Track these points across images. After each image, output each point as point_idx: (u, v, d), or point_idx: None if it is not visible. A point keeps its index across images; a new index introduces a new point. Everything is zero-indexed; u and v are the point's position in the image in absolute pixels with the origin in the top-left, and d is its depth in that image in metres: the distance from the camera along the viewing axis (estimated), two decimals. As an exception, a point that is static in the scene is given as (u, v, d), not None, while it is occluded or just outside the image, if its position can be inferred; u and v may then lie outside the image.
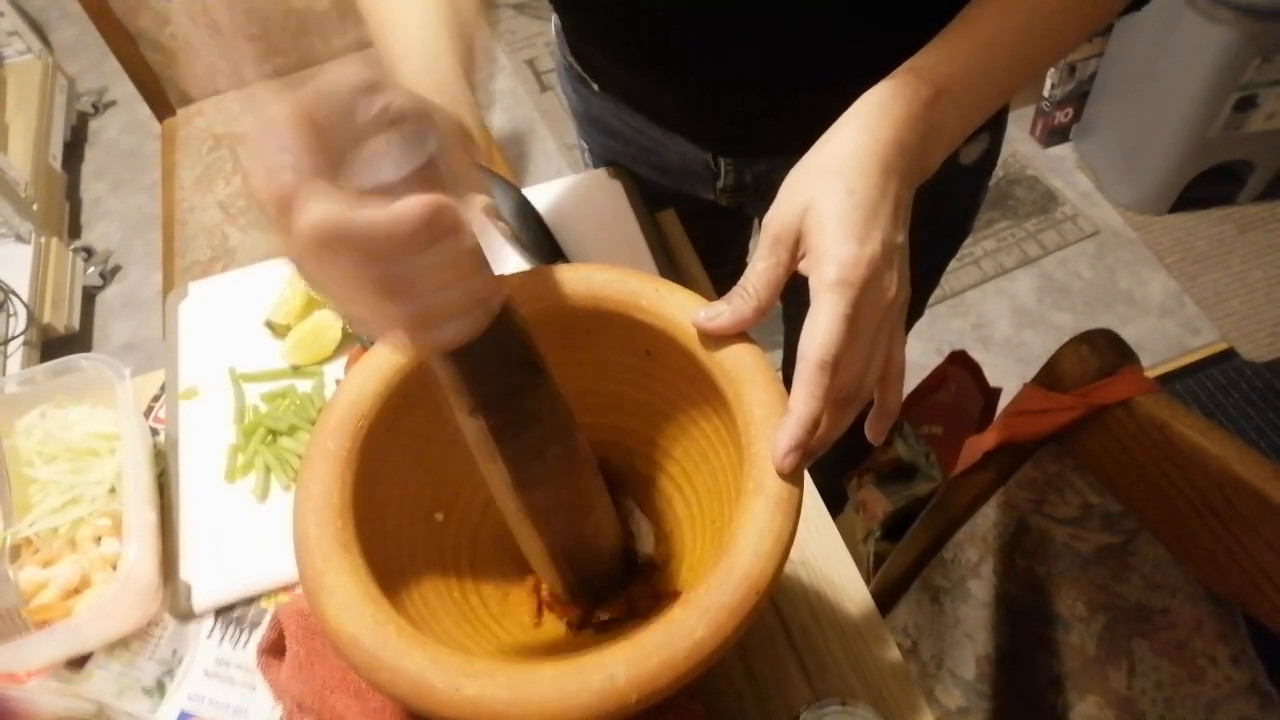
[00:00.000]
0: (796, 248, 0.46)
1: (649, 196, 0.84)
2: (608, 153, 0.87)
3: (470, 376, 0.40)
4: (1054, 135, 2.08)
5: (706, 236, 0.85)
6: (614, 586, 0.56)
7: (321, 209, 0.31)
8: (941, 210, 0.56)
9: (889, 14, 0.60)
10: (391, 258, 0.33)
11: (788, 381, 0.45)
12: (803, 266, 0.46)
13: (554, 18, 0.80)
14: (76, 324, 1.89)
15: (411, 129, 0.33)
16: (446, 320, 0.36)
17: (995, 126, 0.78)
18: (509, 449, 0.43)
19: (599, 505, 0.52)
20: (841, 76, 0.59)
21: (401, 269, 0.33)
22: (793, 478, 0.43)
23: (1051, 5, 0.51)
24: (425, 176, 0.33)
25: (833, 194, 0.45)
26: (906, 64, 0.49)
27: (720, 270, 0.84)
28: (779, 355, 1.20)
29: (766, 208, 0.49)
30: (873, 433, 0.51)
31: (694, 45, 0.65)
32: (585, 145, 0.91)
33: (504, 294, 0.38)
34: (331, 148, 0.32)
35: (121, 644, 0.63)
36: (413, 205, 0.32)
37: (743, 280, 0.47)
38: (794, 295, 0.47)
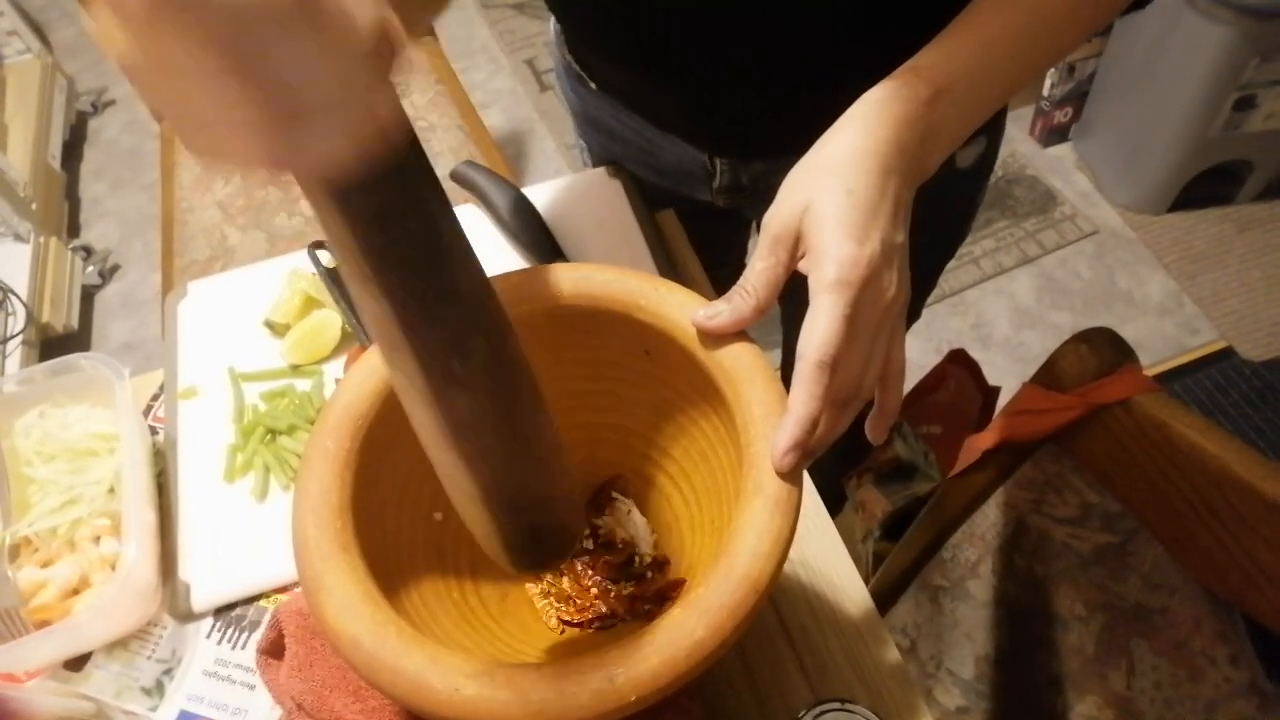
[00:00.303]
0: (796, 248, 0.46)
1: (647, 197, 0.84)
2: (606, 152, 0.87)
3: (365, 227, 0.32)
4: (1053, 135, 2.08)
5: (704, 238, 0.85)
6: (568, 545, 0.48)
7: None
8: (938, 214, 0.56)
9: (886, 15, 0.60)
10: (255, 36, 0.24)
11: (786, 382, 0.45)
12: (802, 266, 0.46)
13: (552, 18, 0.80)
14: (75, 323, 1.89)
15: None
16: (322, 135, 0.27)
17: (993, 130, 0.78)
18: (419, 334, 0.35)
19: (542, 431, 0.42)
20: (839, 78, 0.59)
21: (269, 52, 0.24)
22: (792, 477, 0.43)
23: (1052, 6, 0.51)
24: None
25: (832, 194, 0.45)
26: (906, 64, 0.49)
27: (718, 272, 0.84)
28: (777, 355, 1.20)
29: (764, 209, 0.49)
30: (873, 433, 0.51)
31: (691, 46, 0.65)
32: (584, 144, 0.91)
33: (409, 128, 0.31)
34: None
35: (121, 644, 0.63)
36: None
37: (742, 280, 0.47)
38: (793, 295, 0.47)
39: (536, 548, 0.46)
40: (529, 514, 0.44)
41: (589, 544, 0.59)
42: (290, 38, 0.24)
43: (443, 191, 0.34)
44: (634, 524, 0.59)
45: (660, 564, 0.57)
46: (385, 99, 0.28)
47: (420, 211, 0.33)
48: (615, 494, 0.60)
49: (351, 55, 0.26)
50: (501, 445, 0.40)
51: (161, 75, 0.25)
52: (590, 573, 0.57)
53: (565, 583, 0.58)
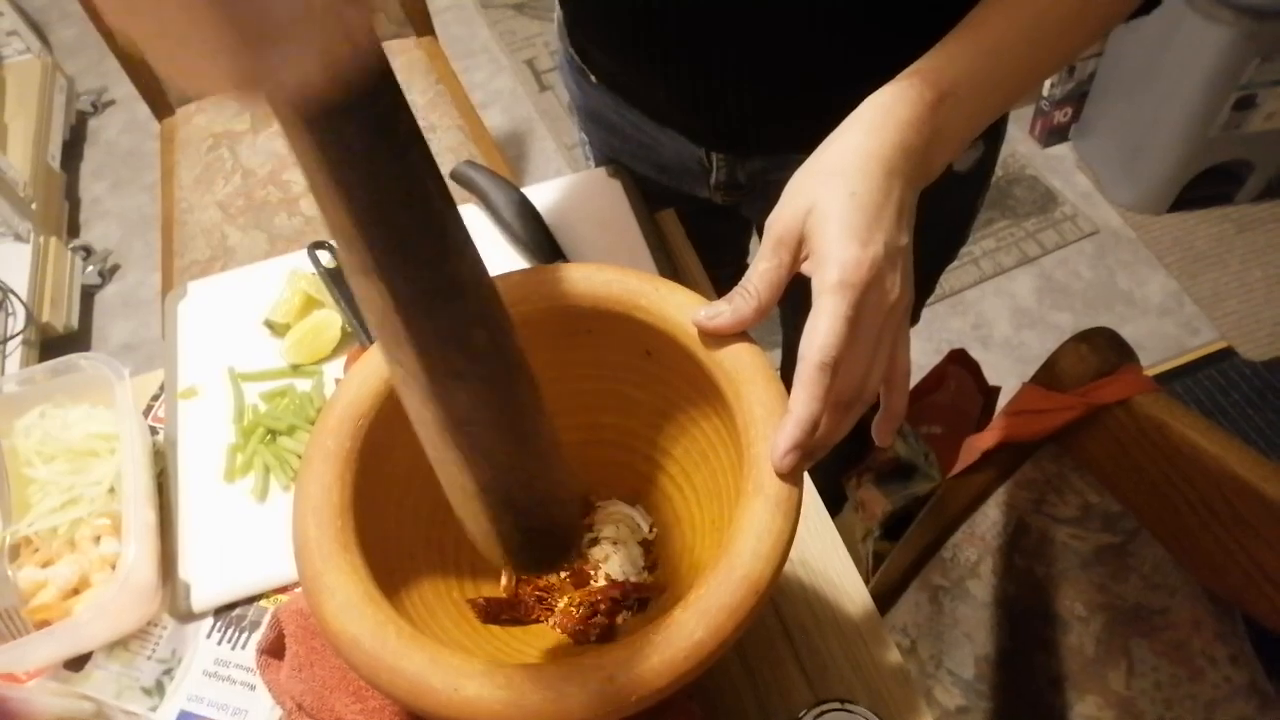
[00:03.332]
0: (799, 249, 0.46)
1: (648, 195, 0.85)
2: (607, 148, 0.88)
3: (355, 188, 0.30)
4: (1053, 135, 2.08)
5: (705, 238, 0.85)
6: (566, 548, 0.48)
7: None
8: (936, 217, 0.56)
9: (882, 17, 0.60)
10: None
11: (787, 384, 0.45)
12: (805, 268, 0.46)
13: (557, 10, 0.80)
14: (75, 323, 1.89)
15: None
16: (295, 53, 0.25)
17: (992, 135, 0.78)
18: (420, 325, 0.34)
19: (541, 429, 0.41)
20: (836, 78, 0.59)
21: None
22: (792, 478, 0.43)
23: (1058, 10, 0.51)
24: None
25: (835, 196, 0.45)
26: (911, 67, 0.49)
27: (719, 272, 0.84)
28: (777, 356, 1.20)
29: (762, 208, 0.49)
30: (879, 435, 0.50)
31: (688, 39, 0.65)
32: (585, 139, 0.92)
33: (379, 47, 0.28)
34: None
35: (121, 644, 0.63)
36: None
37: (744, 280, 0.47)
38: (794, 297, 0.47)
39: (534, 548, 0.45)
40: (527, 513, 0.43)
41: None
42: None
43: (427, 149, 0.32)
44: (636, 520, 0.59)
45: (659, 592, 0.57)
46: (358, 16, 0.27)
47: (401, 154, 0.31)
48: (597, 502, 0.60)
49: None
50: (501, 442, 0.40)
51: None
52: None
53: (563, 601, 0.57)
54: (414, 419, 0.39)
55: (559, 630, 0.55)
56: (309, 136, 0.29)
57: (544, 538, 0.45)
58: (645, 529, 0.59)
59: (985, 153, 0.78)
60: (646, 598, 0.56)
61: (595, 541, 0.59)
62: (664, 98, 0.74)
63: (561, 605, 0.56)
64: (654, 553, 0.59)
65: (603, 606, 0.55)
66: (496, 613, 0.55)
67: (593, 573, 0.58)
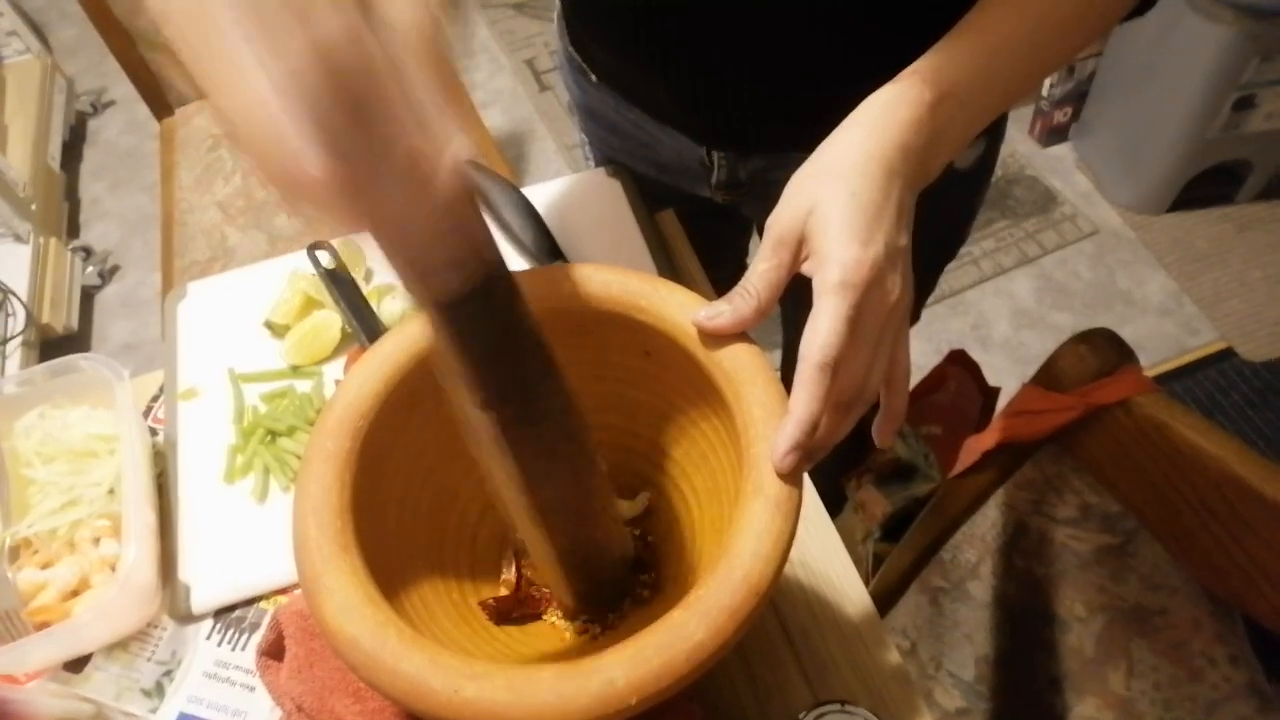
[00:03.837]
0: (799, 250, 0.46)
1: (648, 195, 0.84)
2: (607, 147, 0.88)
3: (479, 357, 0.38)
4: (1053, 135, 2.08)
5: (705, 238, 0.85)
6: (622, 594, 0.56)
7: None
8: (936, 216, 0.56)
9: (881, 14, 0.60)
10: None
11: (787, 385, 0.45)
12: (806, 269, 0.46)
13: (557, 9, 0.80)
14: (75, 324, 1.89)
15: None
16: (440, 261, 0.34)
17: (992, 133, 0.78)
18: (520, 446, 0.42)
19: (608, 508, 0.51)
20: (836, 76, 0.59)
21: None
22: (792, 479, 0.43)
23: (1057, 11, 0.51)
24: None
25: (836, 196, 0.45)
26: (911, 67, 0.49)
27: (719, 273, 0.84)
28: (777, 356, 1.20)
29: (763, 208, 0.49)
30: (880, 436, 0.51)
31: (688, 36, 0.65)
32: (585, 139, 0.92)
33: (504, 263, 0.37)
34: None
35: (120, 645, 0.63)
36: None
37: (744, 280, 0.47)
38: (794, 297, 0.47)
39: (597, 597, 0.54)
40: (593, 571, 0.51)
41: None
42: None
43: (534, 315, 0.40)
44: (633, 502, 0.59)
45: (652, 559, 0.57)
46: (482, 228, 0.35)
47: (521, 337, 0.39)
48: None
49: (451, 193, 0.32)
50: (574, 519, 0.48)
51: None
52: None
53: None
54: (505, 502, 0.47)
55: (561, 615, 0.56)
56: (443, 322, 0.37)
57: (606, 587, 0.54)
58: (638, 506, 0.59)
59: (986, 150, 0.78)
60: (646, 575, 0.56)
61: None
62: (664, 96, 0.74)
63: None
64: (651, 536, 0.59)
65: None
66: (508, 612, 0.55)
67: None
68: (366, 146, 0.29)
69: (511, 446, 0.42)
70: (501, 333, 0.38)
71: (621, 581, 0.55)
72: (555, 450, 0.44)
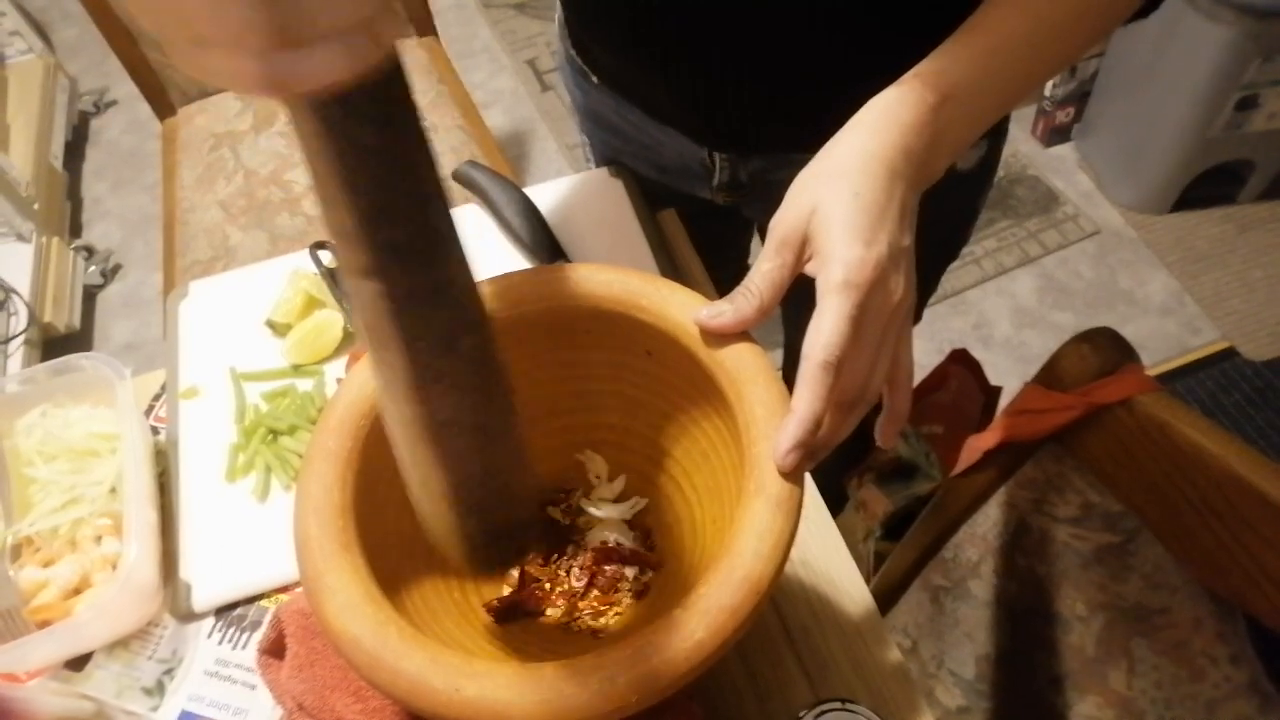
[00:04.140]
0: (802, 250, 0.46)
1: (649, 196, 0.85)
2: (608, 148, 0.88)
3: (361, 185, 0.30)
4: (1055, 135, 2.08)
5: (706, 239, 0.85)
6: (522, 548, 0.49)
7: None
8: (939, 216, 0.56)
9: (882, 14, 0.60)
10: None
11: (789, 385, 0.45)
12: (809, 268, 0.46)
13: (558, 10, 0.80)
14: (77, 323, 1.89)
15: None
16: (323, 57, 0.25)
17: (995, 134, 0.78)
18: (412, 330, 0.34)
19: (511, 429, 0.42)
20: (834, 76, 0.59)
21: None
22: (793, 478, 0.43)
23: (1059, 13, 0.51)
24: None
25: (839, 197, 0.45)
26: (913, 70, 0.50)
27: (720, 273, 0.84)
28: (778, 356, 1.20)
29: (764, 209, 0.49)
30: (883, 436, 0.51)
31: (689, 37, 0.65)
32: (586, 141, 0.92)
33: (398, 49, 0.29)
34: None
35: (121, 644, 0.63)
36: None
37: (746, 280, 0.47)
38: (796, 298, 0.48)
39: (494, 548, 0.46)
40: (491, 513, 0.44)
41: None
42: None
43: (433, 153, 0.32)
44: (593, 468, 0.60)
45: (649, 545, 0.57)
46: (389, 22, 0.27)
47: (416, 169, 0.32)
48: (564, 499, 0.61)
49: None
50: (475, 445, 0.40)
51: None
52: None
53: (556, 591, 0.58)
54: (391, 419, 0.39)
55: (562, 607, 0.56)
56: (322, 133, 0.29)
57: (504, 537, 0.46)
58: (631, 507, 0.59)
59: (988, 151, 0.78)
60: (644, 568, 0.56)
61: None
62: (664, 97, 0.74)
63: (562, 588, 0.56)
64: (649, 532, 0.59)
65: (604, 570, 0.56)
66: (512, 611, 0.55)
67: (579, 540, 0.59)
68: None
69: (401, 330, 0.34)
70: (397, 160, 0.31)
71: (525, 527, 0.47)
72: (455, 342, 0.36)
